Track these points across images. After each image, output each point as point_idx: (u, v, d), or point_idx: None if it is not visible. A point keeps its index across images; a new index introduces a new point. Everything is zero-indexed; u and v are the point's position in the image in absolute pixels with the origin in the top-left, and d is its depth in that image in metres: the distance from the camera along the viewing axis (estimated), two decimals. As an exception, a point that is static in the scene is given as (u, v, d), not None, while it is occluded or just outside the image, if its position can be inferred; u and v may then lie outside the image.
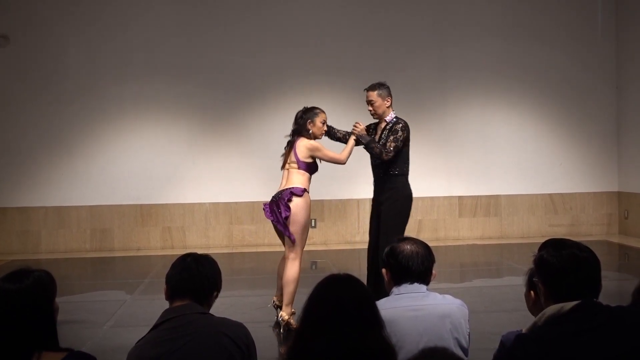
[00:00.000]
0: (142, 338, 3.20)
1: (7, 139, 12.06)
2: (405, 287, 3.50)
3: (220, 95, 12.33)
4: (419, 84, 12.44)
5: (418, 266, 3.51)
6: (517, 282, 3.79)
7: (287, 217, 6.53)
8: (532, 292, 3.03)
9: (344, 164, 6.94)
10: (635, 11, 12.55)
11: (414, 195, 7.00)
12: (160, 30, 12.28)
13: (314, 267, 10.20)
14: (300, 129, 6.77)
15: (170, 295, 3.29)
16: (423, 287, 3.53)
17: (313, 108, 6.89)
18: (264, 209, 6.78)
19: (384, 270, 3.62)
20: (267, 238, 12.21)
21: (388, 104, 6.96)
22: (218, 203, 12.36)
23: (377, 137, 6.96)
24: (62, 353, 2.64)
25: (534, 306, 3.03)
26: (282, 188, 6.71)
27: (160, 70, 12.24)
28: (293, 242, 6.58)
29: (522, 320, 3.46)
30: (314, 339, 2.54)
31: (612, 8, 12.99)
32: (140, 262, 11.16)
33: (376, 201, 7.04)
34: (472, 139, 12.71)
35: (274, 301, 6.96)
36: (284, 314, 6.54)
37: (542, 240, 3.07)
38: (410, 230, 7.04)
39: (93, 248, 12.14)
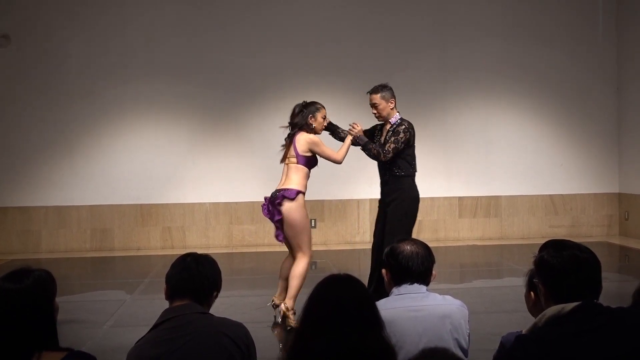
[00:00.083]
0: (142, 338, 3.19)
1: (8, 139, 12.06)
2: (405, 288, 3.50)
3: (220, 95, 12.33)
4: (419, 84, 12.44)
5: (418, 267, 3.51)
6: (517, 283, 3.79)
7: (279, 220, 6.62)
8: (532, 293, 3.03)
9: (340, 163, 6.90)
10: (635, 11, 12.54)
11: (416, 195, 7.00)
12: (161, 31, 12.28)
13: (313, 267, 10.18)
14: (301, 123, 6.77)
15: (170, 295, 3.29)
16: (423, 287, 3.53)
17: (314, 103, 6.89)
18: (262, 206, 6.82)
19: (383, 271, 3.63)
20: (267, 238, 12.21)
21: (392, 105, 6.94)
22: (218, 203, 12.36)
23: (382, 139, 6.95)
24: (62, 353, 2.65)
25: (534, 307, 3.03)
26: (279, 186, 6.74)
27: (160, 71, 12.24)
28: (281, 242, 6.76)
29: (522, 321, 3.46)
30: (314, 339, 2.54)
31: (613, 8, 12.99)
32: (140, 262, 11.16)
33: (383, 202, 7.04)
34: (472, 140, 12.71)
35: (273, 300, 6.98)
36: (285, 305, 6.63)
37: (542, 241, 3.07)
38: (410, 231, 7.04)
39: (93, 248, 12.14)
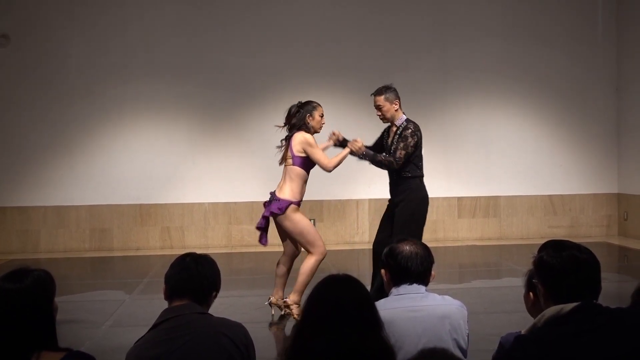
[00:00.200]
0: (141, 338, 3.19)
1: (7, 139, 12.05)
2: (405, 288, 3.50)
3: (220, 95, 12.32)
4: (419, 85, 12.43)
5: (417, 267, 3.51)
6: (517, 283, 3.79)
7: (267, 217, 6.86)
8: (531, 294, 3.03)
9: (329, 171, 6.81)
10: (635, 12, 12.55)
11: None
12: (161, 31, 12.27)
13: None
14: (299, 123, 6.76)
15: (169, 295, 3.29)
16: (422, 288, 3.53)
17: (309, 102, 6.89)
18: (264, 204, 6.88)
19: (383, 271, 3.63)
20: (266, 238, 12.21)
21: (396, 107, 6.91)
22: (217, 203, 12.36)
23: (389, 141, 6.94)
24: (61, 353, 2.64)
25: (533, 307, 3.03)
26: (277, 189, 6.82)
27: (160, 71, 12.23)
28: (264, 245, 7.05)
29: (522, 321, 3.46)
30: (313, 339, 2.54)
31: (613, 9, 12.99)
32: (139, 262, 11.16)
33: (391, 203, 7.03)
34: (471, 140, 12.71)
35: (269, 299, 7.01)
36: (290, 298, 6.75)
37: (542, 241, 3.07)
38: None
39: (92, 248, 12.13)
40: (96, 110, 12.15)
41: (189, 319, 3.16)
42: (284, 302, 6.85)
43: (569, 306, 2.70)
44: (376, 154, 6.85)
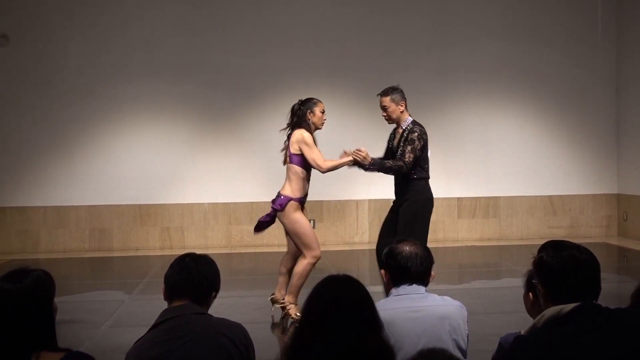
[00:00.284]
0: (141, 338, 3.19)
1: (7, 139, 12.05)
2: (404, 288, 3.50)
3: (220, 96, 12.32)
4: (419, 85, 12.42)
5: (417, 267, 3.51)
6: (516, 284, 3.79)
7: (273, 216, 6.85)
8: (530, 294, 3.03)
9: (322, 171, 6.74)
10: (635, 12, 12.55)
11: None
12: (161, 31, 12.27)
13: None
14: (300, 120, 6.75)
15: (169, 296, 3.29)
16: (422, 288, 3.53)
17: (310, 99, 6.87)
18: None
19: (382, 272, 3.63)
20: (265, 238, 12.19)
21: (402, 108, 6.90)
22: (217, 203, 12.36)
23: (395, 143, 6.93)
24: (61, 353, 2.64)
25: (533, 308, 3.03)
26: (281, 188, 6.78)
27: (160, 71, 12.23)
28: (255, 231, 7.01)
29: (521, 322, 3.46)
30: (312, 339, 2.54)
31: (613, 9, 12.99)
32: (139, 262, 11.16)
33: (395, 203, 7.02)
34: (471, 140, 12.71)
35: (273, 294, 7.03)
36: (286, 299, 6.78)
37: (541, 241, 3.07)
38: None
39: (92, 248, 12.13)
40: (96, 110, 12.15)
41: (189, 319, 3.16)
42: (281, 303, 6.86)
43: (568, 306, 2.70)
44: (383, 161, 6.79)
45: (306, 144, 6.63)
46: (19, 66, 12.07)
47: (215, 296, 3.38)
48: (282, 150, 6.92)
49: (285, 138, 6.90)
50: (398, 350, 3.09)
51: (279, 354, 2.66)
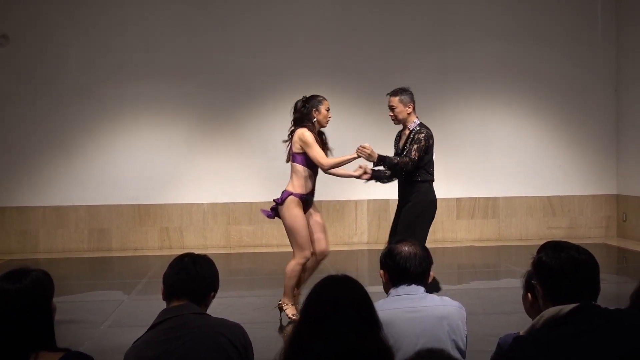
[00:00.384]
0: (140, 338, 3.19)
1: (6, 139, 12.04)
2: (403, 289, 3.50)
3: (219, 96, 12.32)
4: (419, 85, 12.29)
5: (416, 268, 3.51)
6: (515, 284, 3.79)
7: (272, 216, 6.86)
8: (529, 295, 3.03)
9: (325, 170, 6.74)
10: (635, 13, 12.55)
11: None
12: (160, 31, 12.26)
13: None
14: (304, 117, 6.72)
15: (168, 296, 3.29)
16: (421, 288, 3.53)
17: (315, 96, 6.81)
18: None
19: (381, 272, 3.62)
20: (264, 239, 12.22)
21: (410, 110, 6.89)
22: (216, 203, 12.35)
23: (401, 144, 6.93)
24: (60, 353, 2.64)
25: (532, 308, 3.03)
26: None
27: (159, 71, 12.22)
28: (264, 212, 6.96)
29: (520, 322, 3.46)
30: (311, 339, 2.54)
31: (612, 10, 12.98)
32: (138, 262, 11.15)
33: (400, 206, 7.03)
34: (470, 141, 12.70)
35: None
36: (282, 300, 6.79)
37: (540, 242, 3.08)
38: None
39: (91, 248, 12.12)
40: (95, 110, 12.14)
41: (187, 319, 3.16)
42: (278, 304, 6.86)
43: (567, 307, 2.70)
44: (391, 157, 6.78)
45: (307, 143, 6.60)
46: (19, 66, 12.06)
47: (214, 296, 3.38)
48: (285, 142, 6.89)
49: (287, 134, 6.87)
50: (397, 351, 3.09)
51: (278, 354, 2.66)
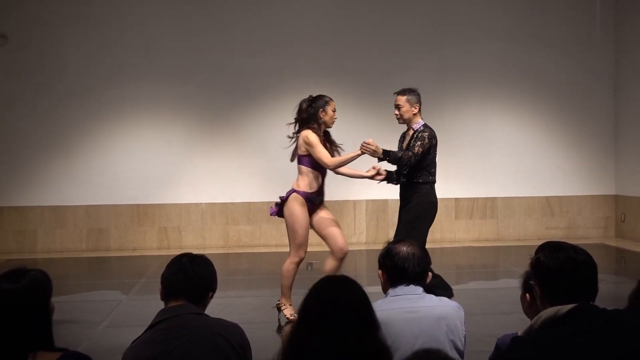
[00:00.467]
0: (138, 338, 3.19)
1: (4, 138, 12.03)
2: (402, 289, 3.50)
3: (218, 96, 12.31)
4: (419, 85, 12.14)
5: (414, 268, 3.51)
6: (514, 285, 3.80)
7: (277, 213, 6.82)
8: (527, 295, 3.03)
9: (330, 168, 6.73)
10: (633, 14, 12.55)
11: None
12: (160, 31, 12.25)
13: (309, 268, 10.17)
14: (310, 118, 6.68)
15: (166, 296, 3.29)
16: (419, 289, 3.53)
17: (321, 96, 6.78)
18: None
19: (379, 272, 3.62)
20: (263, 239, 12.22)
21: (415, 110, 6.92)
22: (214, 203, 12.34)
23: (405, 145, 6.94)
24: (58, 353, 2.64)
25: (530, 309, 3.03)
26: None
27: (158, 71, 12.21)
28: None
29: (519, 322, 3.46)
30: (309, 339, 2.54)
31: (611, 11, 12.99)
32: (136, 262, 11.15)
33: (401, 207, 7.03)
34: (469, 141, 12.70)
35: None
36: (281, 301, 6.78)
37: (539, 242, 3.08)
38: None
39: (89, 248, 12.12)
40: (94, 110, 12.13)
41: (185, 319, 3.16)
42: (276, 304, 6.87)
43: (565, 308, 2.70)
44: (395, 151, 6.77)
45: (311, 144, 6.59)
46: (18, 66, 12.05)
47: (212, 296, 3.38)
48: (290, 139, 6.86)
49: (292, 132, 6.82)
50: (395, 351, 3.09)
51: (276, 354, 2.66)
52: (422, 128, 6.86)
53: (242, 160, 12.30)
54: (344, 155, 6.75)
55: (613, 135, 12.99)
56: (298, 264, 6.73)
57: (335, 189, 12.14)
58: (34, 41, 12.06)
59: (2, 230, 11.99)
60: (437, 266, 7.85)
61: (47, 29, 12.08)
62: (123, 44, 12.21)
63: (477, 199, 12.76)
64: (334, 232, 6.81)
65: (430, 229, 12.10)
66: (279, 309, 6.85)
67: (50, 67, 12.08)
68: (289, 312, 6.67)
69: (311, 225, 6.80)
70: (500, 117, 12.85)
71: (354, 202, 12.40)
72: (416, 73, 12.31)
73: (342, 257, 6.79)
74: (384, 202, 12.16)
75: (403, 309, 3.41)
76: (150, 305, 6.90)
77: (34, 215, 12.05)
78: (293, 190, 6.68)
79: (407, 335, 3.32)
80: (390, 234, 10.71)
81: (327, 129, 6.85)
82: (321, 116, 6.68)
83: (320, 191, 6.81)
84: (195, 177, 12.27)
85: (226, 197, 12.31)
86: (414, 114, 6.90)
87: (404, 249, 3.54)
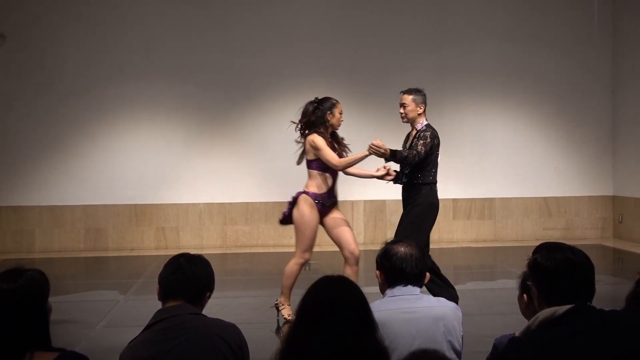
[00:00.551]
0: (135, 338, 3.19)
1: (2, 138, 12.02)
2: (399, 289, 3.50)
3: (218, 96, 12.30)
4: (418, 86, 12.35)
5: (412, 268, 3.51)
6: (511, 285, 3.80)
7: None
8: (525, 296, 3.03)
9: (338, 169, 6.70)
10: (631, 15, 12.57)
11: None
12: (160, 31, 12.25)
13: (307, 268, 10.14)
14: (318, 122, 6.67)
15: (163, 296, 3.29)
16: (417, 289, 3.53)
17: (328, 98, 6.78)
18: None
19: (377, 272, 3.62)
20: (260, 239, 12.22)
21: (420, 111, 6.93)
22: (212, 203, 12.34)
23: (408, 145, 6.94)
24: (55, 353, 2.64)
25: (527, 309, 3.03)
26: None
27: (157, 71, 12.21)
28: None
29: (516, 323, 3.46)
30: (307, 339, 2.54)
31: (609, 12, 12.99)
32: (134, 262, 11.14)
33: (403, 208, 7.03)
34: (467, 142, 12.70)
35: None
36: (279, 300, 6.77)
37: (536, 243, 3.08)
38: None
39: (87, 248, 12.11)
40: (92, 110, 12.12)
41: (183, 319, 3.16)
42: (275, 304, 6.87)
43: (562, 308, 2.70)
44: (401, 151, 6.77)
45: (319, 148, 6.57)
46: (16, 66, 12.04)
47: (209, 296, 3.38)
48: (298, 142, 6.82)
49: (299, 136, 6.80)
50: (392, 352, 3.09)
51: (273, 354, 2.65)
52: (424, 128, 6.87)
53: (241, 160, 12.30)
54: (352, 156, 6.73)
55: (611, 135, 13.00)
56: (302, 265, 6.72)
57: (333, 189, 12.17)
58: (32, 41, 12.05)
59: (0, 230, 11.98)
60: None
61: (46, 28, 12.07)
62: (123, 44, 12.20)
63: (475, 199, 12.77)
64: (345, 236, 6.77)
65: (429, 230, 12.11)
66: (278, 309, 6.85)
67: (48, 67, 12.07)
68: (287, 312, 6.66)
69: (323, 227, 6.78)
70: (498, 118, 12.85)
71: (352, 202, 12.39)
72: (416, 73, 12.31)
73: (355, 261, 6.73)
74: (382, 203, 12.16)
75: (401, 310, 3.40)
76: (147, 305, 6.90)
77: (31, 215, 12.04)
78: (302, 192, 6.67)
79: (405, 336, 3.32)
80: (388, 235, 10.74)
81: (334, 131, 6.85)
82: (328, 119, 6.68)
83: (330, 193, 6.78)
84: (194, 177, 12.27)
85: (224, 197, 12.31)
86: (419, 114, 6.91)
87: (401, 249, 3.54)
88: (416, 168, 6.78)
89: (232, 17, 12.34)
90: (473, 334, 5.32)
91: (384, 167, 6.81)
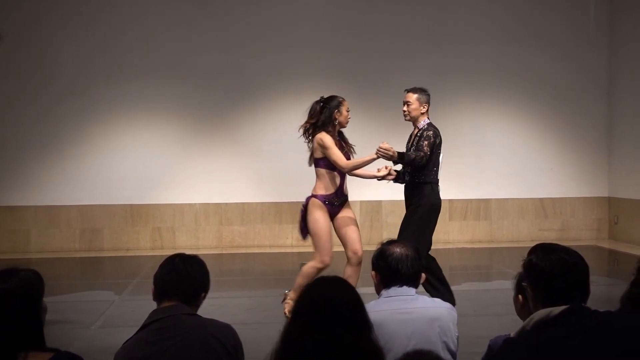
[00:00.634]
0: (130, 339, 3.18)
1: (1, 138, 12.01)
2: (395, 290, 3.50)
3: (215, 96, 12.30)
4: (417, 86, 12.38)
5: (408, 269, 3.51)
6: (507, 286, 3.80)
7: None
8: (520, 296, 3.03)
9: (345, 170, 6.65)
10: (627, 17, 12.59)
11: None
12: (158, 31, 12.24)
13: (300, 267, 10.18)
14: (327, 121, 6.65)
15: (158, 296, 3.28)
16: (412, 290, 3.53)
17: (335, 97, 6.77)
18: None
19: (372, 273, 3.62)
20: (256, 239, 12.21)
21: (424, 110, 6.93)
22: (208, 204, 12.33)
23: (409, 145, 6.94)
24: (49, 353, 2.63)
25: (522, 310, 3.03)
26: None
27: (154, 71, 12.20)
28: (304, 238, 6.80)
29: (512, 324, 3.46)
30: (301, 338, 2.53)
31: (605, 14, 13.01)
32: (129, 263, 11.13)
33: (406, 208, 7.03)
34: (463, 143, 12.70)
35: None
36: (289, 295, 6.68)
37: (532, 244, 3.08)
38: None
39: (82, 248, 12.10)
40: (89, 110, 12.12)
41: (178, 320, 3.15)
42: (285, 294, 6.80)
43: (557, 309, 2.70)
44: (409, 153, 6.76)
45: (326, 146, 6.56)
46: (12, 66, 12.04)
47: (204, 297, 3.37)
48: (310, 149, 6.79)
49: (307, 137, 6.78)
50: (387, 352, 3.09)
51: (269, 354, 2.65)
52: (426, 126, 6.87)
53: (236, 160, 12.29)
54: (359, 159, 6.70)
55: (607, 137, 13.02)
56: (320, 270, 6.60)
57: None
58: (30, 42, 12.05)
59: (-4, 230, 11.97)
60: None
61: (46, 28, 12.07)
62: (122, 44, 12.20)
63: (471, 200, 12.78)
64: (350, 235, 6.77)
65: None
66: (284, 300, 6.80)
67: (45, 67, 12.07)
68: (288, 307, 6.63)
69: (332, 226, 6.77)
70: (495, 119, 12.87)
71: (350, 203, 12.36)
72: (415, 73, 12.30)
73: (357, 262, 6.75)
74: (378, 203, 12.15)
75: (396, 310, 3.40)
76: (143, 305, 6.88)
77: (27, 215, 12.03)
78: (311, 196, 6.65)
79: (400, 336, 3.32)
80: (385, 235, 10.73)
81: (341, 129, 6.84)
82: (336, 117, 6.67)
83: (339, 192, 6.74)
84: (190, 177, 12.26)
85: (220, 197, 12.30)
86: (422, 113, 6.91)
87: (397, 250, 3.53)
88: (418, 167, 6.78)
89: (232, 17, 12.34)
90: (468, 334, 5.32)
91: (385, 168, 6.80)
